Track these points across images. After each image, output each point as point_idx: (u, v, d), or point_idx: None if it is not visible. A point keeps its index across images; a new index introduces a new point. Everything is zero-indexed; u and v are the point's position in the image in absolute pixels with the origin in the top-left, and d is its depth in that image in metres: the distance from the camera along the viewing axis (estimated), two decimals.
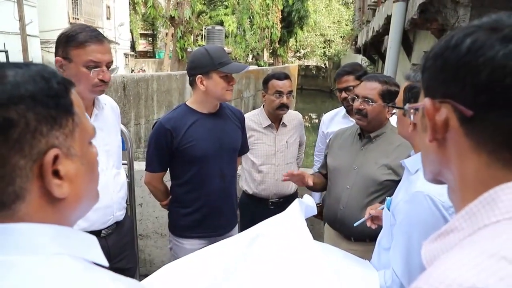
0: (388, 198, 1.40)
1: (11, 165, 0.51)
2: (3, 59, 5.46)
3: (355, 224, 1.64)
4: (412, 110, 0.71)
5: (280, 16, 24.25)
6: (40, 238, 0.53)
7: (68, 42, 1.41)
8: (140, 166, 2.90)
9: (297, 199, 1.49)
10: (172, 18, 16.30)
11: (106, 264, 0.58)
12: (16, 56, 5.93)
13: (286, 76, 2.44)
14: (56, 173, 0.54)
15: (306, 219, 1.45)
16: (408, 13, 3.51)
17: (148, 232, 2.99)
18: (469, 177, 0.51)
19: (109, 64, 1.49)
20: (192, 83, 1.88)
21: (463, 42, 0.49)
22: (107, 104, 1.67)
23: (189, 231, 1.99)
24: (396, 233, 1.25)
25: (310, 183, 2.00)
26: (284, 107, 2.41)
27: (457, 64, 0.49)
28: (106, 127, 1.63)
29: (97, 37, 1.45)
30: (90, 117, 1.55)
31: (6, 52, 5.64)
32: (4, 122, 0.49)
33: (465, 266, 0.42)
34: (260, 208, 2.46)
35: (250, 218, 2.19)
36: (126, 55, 24.33)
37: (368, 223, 1.56)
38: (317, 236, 2.49)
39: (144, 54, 35.18)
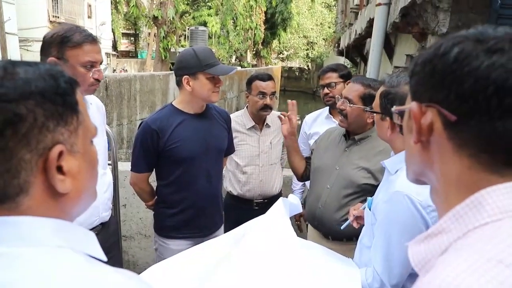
0: (369, 198, 1.44)
1: (17, 158, 0.52)
2: None
3: (342, 228, 1.67)
4: (397, 113, 0.74)
5: (264, 18, 24.35)
6: (42, 231, 0.54)
7: (63, 43, 1.41)
8: (123, 166, 2.87)
9: (281, 198, 1.51)
10: (155, 18, 16.16)
11: (105, 259, 0.60)
12: None
13: (269, 77, 2.46)
14: (59, 169, 0.55)
15: (291, 218, 1.47)
16: (390, 17, 3.59)
17: (132, 233, 2.97)
18: (452, 179, 0.54)
19: (101, 63, 1.52)
20: (179, 83, 1.88)
21: (451, 51, 0.52)
22: (93, 103, 1.67)
23: (174, 232, 1.98)
24: (377, 232, 1.28)
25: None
26: (267, 108, 2.43)
27: (444, 72, 0.52)
28: None
29: (92, 37, 1.48)
30: None
31: None
32: (14, 117, 0.51)
33: (464, 273, 0.43)
34: (244, 209, 2.47)
35: (235, 219, 2.19)
36: (107, 54, 23.96)
37: (354, 224, 1.59)
38: (301, 234, 2.53)
39: (126, 54, 34.74)
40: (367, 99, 1.77)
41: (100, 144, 1.67)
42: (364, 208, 1.51)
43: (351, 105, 1.79)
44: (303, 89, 31.01)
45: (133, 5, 16.49)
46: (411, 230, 1.15)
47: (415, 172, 0.63)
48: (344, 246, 1.79)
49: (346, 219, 1.77)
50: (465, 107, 0.50)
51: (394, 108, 0.70)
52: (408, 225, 1.16)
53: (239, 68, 16.09)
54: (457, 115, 0.51)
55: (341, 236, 1.83)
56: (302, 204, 2.81)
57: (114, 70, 23.02)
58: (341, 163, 1.89)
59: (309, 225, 2.09)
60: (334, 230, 1.84)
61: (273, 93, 2.44)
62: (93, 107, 1.65)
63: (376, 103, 1.38)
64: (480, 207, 0.50)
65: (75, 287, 0.50)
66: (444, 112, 0.52)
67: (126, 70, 24.89)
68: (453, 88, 0.51)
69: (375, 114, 1.41)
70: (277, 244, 1.29)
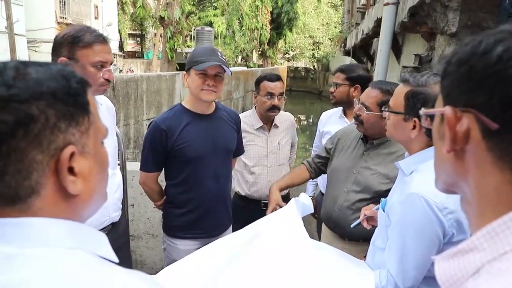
0: (382, 199, 1.42)
1: (29, 159, 0.51)
2: None
3: (351, 226, 1.66)
4: (426, 116, 0.68)
5: (270, 18, 24.36)
6: (54, 232, 0.54)
7: (74, 43, 1.41)
8: (131, 166, 2.88)
9: (293, 199, 1.51)
10: (161, 19, 16.21)
11: (116, 260, 0.59)
12: (3, 56, 5.83)
13: (278, 78, 2.46)
14: (70, 170, 0.55)
15: (303, 218, 1.47)
16: (398, 16, 3.57)
17: (139, 232, 2.98)
18: (489, 194, 0.49)
19: (111, 64, 1.53)
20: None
21: (494, 49, 0.46)
22: (103, 104, 1.67)
23: (182, 232, 1.98)
24: (391, 234, 1.26)
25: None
26: (275, 108, 2.42)
27: (485, 73, 0.46)
28: None
29: (102, 37, 1.48)
30: None
31: None
32: (26, 117, 0.50)
33: None
34: (252, 209, 2.46)
35: (243, 220, 2.19)
36: (114, 55, 24.10)
37: (364, 224, 1.58)
38: (311, 234, 2.51)
39: (133, 55, 34.92)
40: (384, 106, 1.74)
41: (110, 144, 1.67)
42: (377, 209, 1.49)
43: (368, 112, 1.75)
44: (309, 89, 30.92)
45: (140, 6, 16.56)
46: (427, 232, 1.13)
47: (445, 182, 0.58)
48: (360, 247, 1.78)
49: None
50: (509, 114, 0.45)
51: (423, 111, 0.66)
52: (423, 227, 1.14)
53: (242, 68, 16.04)
54: (499, 123, 0.45)
55: (358, 237, 1.82)
56: (313, 197, 2.82)
57: (120, 71, 23.15)
58: (359, 167, 1.86)
59: (323, 226, 2.08)
60: (351, 232, 1.83)
61: (281, 94, 2.44)
62: (103, 107, 1.66)
63: (397, 103, 1.32)
64: None
65: None
66: (484, 118, 0.46)
67: (133, 70, 25.02)
68: (495, 92, 0.45)
69: (388, 113, 1.36)
70: (289, 244, 1.29)
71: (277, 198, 1.95)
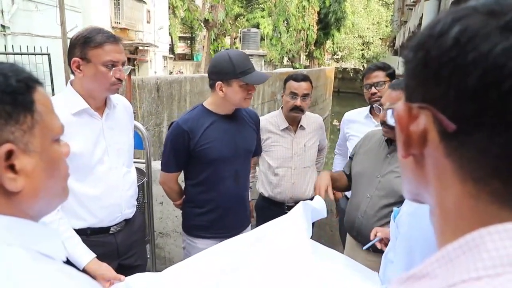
0: (395, 209, 1.33)
1: None
2: (46, 61, 5.82)
3: (363, 248, 1.58)
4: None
5: (317, 18, 24.08)
6: None
7: (86, 43, 1.46)
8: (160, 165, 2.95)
9: (301, 202, 1.46)
10: (206, 21, 16.58)
11: (63, 257, 0.60)
12: (58, 59, 6.26)
13: (304, 78, 2.39)
14: (12, 167, 0.55)
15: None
16: (440, 12, 3.36)
17: (168, 230, 3.04)
18: (450, 208, 0.41)
19: (124, 64, 1.55)
20: (212, 86, 1.89)
21: (450, 29, 0.37)
22: (120, 103, 1.71)
23: (202, 231, 1.99)
24: (398, 246, 1.18)
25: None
26: (297, 109, 2.36)
27: (440, 60, 0.38)
28: (118, 126, 1.66)
29: (113, 37, 1.51)
30: (101, 117, 1.59)
31: (48, 55, 5.97)
32: None
33: None
34: (275, 211, 2.41)
35: (266, 221, 2.16)
36: (164, 57, 25.00)
37: (379, 246, 1.49)
38: (337, 243, 2.41)
39: (183, 57, 36.03)
40: None
41: (126, 143, 1.72)
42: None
43: None
44: (357, 90, 30.07)
45: (186, 9, 17.03)
46: (435, 248, 1.04)
47: (409, 191, 0.50)
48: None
49: None
50: (469, 110, 0.36)
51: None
52: (432, 241, 1.04)
53: (288, 69, 15.95)
54: (457, 123, 0.37)
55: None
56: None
57: (170, 72, 23.97)
58: (383, 170, 1.78)
59: (348, 234, 2.00)
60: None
61: (306, 95, 2.37)
62: (120, 106, 1.70)
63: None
64: (476, 253, 0.36)
65: (6, 285, 0.49)
66: (440, 117, 0.38)
67: (182, 72, 25.81)
68: (452, 83, 0.36)
69: None
70: (289, 252, 1.24)
71: (326, 184, 1.82)
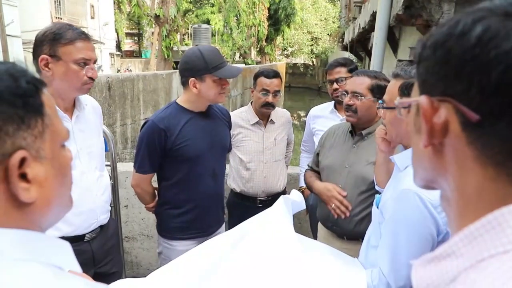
0: (377, 195, 1.39)
1: None
2: None
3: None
4: (402, 107, 0.64)
5: (267, 14, 24.28)
6: (3, 243, 0.49)
7: (55, 40, 1.37)
8: (124, 167, 2.85)
9: (282, 196, 1.47)
10: (157, 17, 16.11)
11: (80, 270, 0.56)
12: None
13: (275, 75, 2.41)
14: (23, 176, 0.51)
15: (294, 217, 1.43)
16: (393, 9, 3.51)
17: (134, 234, 2.94)
18: (470, 192, 0.44)
19: (95, 62, 1.48)
20: (184, 84, 1.85)
21: (472, 29, 0.41)
22: (88, 104, 1.63)
23: (180, 233, 1.94)
24: (384, 231, 1.23)
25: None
26: (269, 105, 2.39)
27: (463, 57, 0.41)
28: (88, 129, 1.58)
29: (84, 34, 1.44)
30: (71, 119, 1.50)
31: None
32: None
33: None
34: (248, 206, 2.43)
35: (239, 217, 2.16)
36: (111, 55, 24.05)
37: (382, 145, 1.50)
38: (306, 234, 2.47)
39: (130, 54, 34.82)
40: (375, 90, 1.75)
41: (97, 145, 1.64)
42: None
43: (362, 98, 1.76)
44: (308, 85, 30.89)
45: (135, 4, 16.42)
46: (420, 230, 1.10)
47: (424, 179, 0.53)
48: (359, 246, 1.76)
49: (363, 217, 1.76)
50: (491, 103, 0.39)
51: (397, 101, 0.61)
52: (417, 225, 1.10)
53: (240, 65, 16.00)
54: (480, 114, 0.40)
55: (357, 235, 1.79)
56: (304, 188, 2.75)
57: (118, 70, 23.07)
58: (351, 160, 1.85)
59: (319, 226, 2.05)
60: (350, 230, 1.82)
61: (277, 91, 2.40)
62: (89, 107, 1.61)
63: (392, 98, 1.30)
64: (500, 230, 0.39)
65: None
66: (463, 109, 0.41)
67: (131, 70, 24.94)
68: (475, 79, 0.40)
69: (384, 110, 1.34)
70: (277, 245, 1.25)
71: (333, 187, 1.85)
